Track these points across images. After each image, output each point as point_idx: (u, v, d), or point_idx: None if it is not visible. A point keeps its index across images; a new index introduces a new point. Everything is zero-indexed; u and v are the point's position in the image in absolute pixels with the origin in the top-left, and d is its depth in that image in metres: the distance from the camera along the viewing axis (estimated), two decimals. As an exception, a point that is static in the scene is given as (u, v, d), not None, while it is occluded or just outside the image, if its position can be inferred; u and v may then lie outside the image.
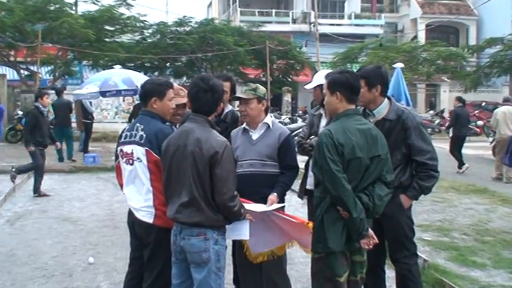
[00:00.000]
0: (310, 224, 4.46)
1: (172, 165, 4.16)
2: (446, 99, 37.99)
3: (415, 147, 4.85)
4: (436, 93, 40.29)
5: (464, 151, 16.40)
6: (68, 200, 11.43)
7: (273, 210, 4.75)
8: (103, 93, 15.53)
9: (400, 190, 4.83)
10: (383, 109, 4.90)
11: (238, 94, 5.16)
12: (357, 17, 44.14)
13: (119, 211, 10.06)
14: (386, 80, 4.93)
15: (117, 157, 4.78)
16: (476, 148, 20.86)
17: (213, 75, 4.84)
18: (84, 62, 28.09)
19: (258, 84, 5.16)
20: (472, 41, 41.63)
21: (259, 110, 5.03)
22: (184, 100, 5.11)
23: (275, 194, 4.86)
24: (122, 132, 4.73)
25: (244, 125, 5.15)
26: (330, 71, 4.81)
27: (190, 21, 28.93)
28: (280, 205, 4.83)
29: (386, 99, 4.95)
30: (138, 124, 4.55)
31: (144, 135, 4.44)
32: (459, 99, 16.96)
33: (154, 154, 4.39)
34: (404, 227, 4.97)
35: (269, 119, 5.12)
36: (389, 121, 4.85)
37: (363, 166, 4.12)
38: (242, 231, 4.44)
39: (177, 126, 5.14)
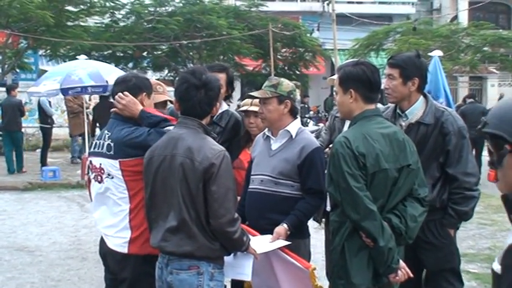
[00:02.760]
0: (316, 280, 4.51)
1: (157, 181, 4.20)
2: (495, 95, 37.98)
3: (453, 156, 4.90)
4: (482, 88, 40.25)
5: None
6: (23, 224, 11.49)
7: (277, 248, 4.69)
8: (65, 91, 15.61)
9: (442, 212, 4.92)
10: (417, 109, 4.95)
11: (253, 92, 5.18)
12: (382, -8, 44.15)
13: (87, 238, 10.15)
14: (425, 73, 4.98)
15: (88, 169, 4.85)
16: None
17: (203, 66, 4.87)
18: (41, 52, 27.94)
19: (282, 79, 5.13)
20: (528, 22, 41.70)
21: (280, 112, 4.98)
22: (164, 98, 5.20)
23: (285, 225, 4.81)
24: (94, 139, 4.81)
25: (266, 130, 5.17)
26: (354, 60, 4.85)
27: (173, 0, 28.91)
28: (286, 243, 4.72)
29: (422, 96, 4.99)
30: (106, 131, 4.61)
31: (112, 144, 4.47)
32: (470, 95, 17.25)
33: (131, 160, 4.40)
34: (451, 259, 5.06)
35: (294, 125, 5.06)
36: (425, 125, 4.89)
37: (390, 180, 4.14)
38: (244, 268, 4.42)
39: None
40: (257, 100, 5.34)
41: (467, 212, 4.97)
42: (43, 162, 18.19)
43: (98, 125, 18.46)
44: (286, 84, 5.05)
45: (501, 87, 37.95)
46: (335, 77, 5.35)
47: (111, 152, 4.45)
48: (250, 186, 5.06)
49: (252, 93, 5.20)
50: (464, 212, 4.96)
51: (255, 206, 4.97)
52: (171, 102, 5.35)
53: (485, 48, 31.74)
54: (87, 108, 18.42)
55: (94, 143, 4.68)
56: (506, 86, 38.56)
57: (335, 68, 30.44)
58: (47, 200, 14.14)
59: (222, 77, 5.42)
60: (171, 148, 4.18)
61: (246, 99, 5.80)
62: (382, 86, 4.61)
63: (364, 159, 4.07)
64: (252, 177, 5.08)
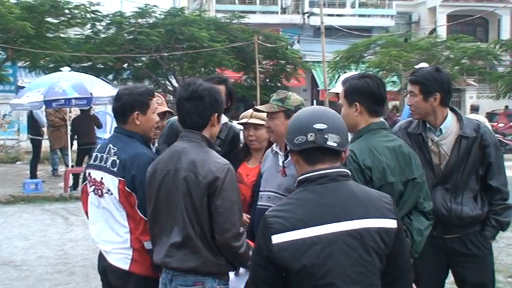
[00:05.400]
0: None
1: (161, 195, 4.11)
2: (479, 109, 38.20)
3: (494, 168, 4.90)
4: (461, 100, 40.55)
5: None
6: (7, 238, 11.34)
7: None
8: (48, 103, 15.50)
9: (479, 224, 4.94)
10: (450, 123, 4.88)
11: (260, 106, 5.11)
12: (361, 5, 44.32)
13: (74, 252, 10.07)
14: (447, 87, 4.89)
15: (85, 179, 4.76)
16: (513, 168, 20.98)
17: (198, 78, 4.80)
18: (20, 63, 27.78)
19: (290, 93, 5.04)
20: (506, 35, 41.98)
21: (286, 126, 4.91)
22: (163, 109, 5.12)
23: None
24: (93, 151, 4.72)
25: (274, 146, 5.08)
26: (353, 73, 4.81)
27: (155, 12, 28.90)
28: None
29: (449, 110, 4.93)
30: (111, 145, 4.49)
31: (118, 161, 4.38)
32: (472, 106, 17.93)
33: (126, 187, 4.33)
34: (492, 269, 5.10)
35: None
36: (467, 139, 4.83)
37: (396, 193, 4.09)
38: (237, 283, 4.37)
39: (155, 144, 5.16)
40: (257, 112, 5.29)
41: (508, 223, 5.01)
42: (32, 174, 18.03)
43: (75, 137, 18.30)
44: (294, 98, 4.94)
45: (479, 99, 38.25)
46: (337, 90, 5.32)
47: (115, 169, 4.37)
48: (258, 203, 4.98)
49: (258, 107, 5.12)
50: (506, 223, 4.99)
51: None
52: (170, 113, 5.28)
53: (463, 61, 32.06)
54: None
55: (94, 155, 4.57)
56: (484, 98, 38.87)
57: (323, 79, 30.60)
58: (30, 213, 13.95)
59: (220, 88, 5.32)
60: (174, 162, 4.10)
61: (246, 112, 5.73)
62: (406, 103, 4.62)
63: (371, 172, 4.05)
64: (260, 193, 5.01)
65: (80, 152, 16.95)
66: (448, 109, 4.92)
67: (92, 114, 18.12)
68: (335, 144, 3.02)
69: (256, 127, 5.37)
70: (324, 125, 3.03)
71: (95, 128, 17.61)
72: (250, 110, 5.55)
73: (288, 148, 3.16)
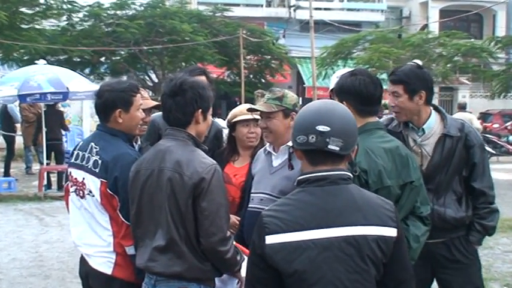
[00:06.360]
0: None
1: (144, 196, 4.07)
2: (467, 106, 38.25)
3: (478, 170, 4.86)
4: (453, 99, 40.64)
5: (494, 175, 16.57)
6: (-21, 240, 11.22)
7: None
8: (22, 97, 15.37)
9: (465, 228, 4.92)
10: (433, 123, 4.84)
11: (256, 106, 5.03)
12: (350, -2, 44.33)
13: (49, 255, 9.99)
14: (430, 84, 4.83)
15: (67, 178, 4.70)
16: (509, 171, 21.01)
17: (181, 72, 4.74)
18: (-8, 56, 27.65)
19: (286, 91, 4.94)
20: (501, 32, 41.95)
21: (285, 126, 4.77)
22: (149, 104, 5.07)
23: None
24: (74, 148, 4.65)
25: (267, 146, 5.01)
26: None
27: (134, 3, 28.81)
28: None
29: (432, 109, 4.89)
30: (93, 144, 4.42)
31: (100, 162, 4.32)
32: (459, 104, 18.11)
33: (108, 189, 4.27)
34: (479, 275, 5.08)
35: None
36: (451, 138, 4.78)
37: (393, 197, 4.04)
38: None
39: (139, 141, 5.10)
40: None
41: (493, 227, 4.98)
42: (6, 172, 17.99)
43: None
44: (291, 96, 4.87)
45: (472, 98, 38.35)
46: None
47: (96, 170, 4.32)
48: (249, 205, 4.92)
49: (254, 106, 5.03)
50: (492, 227, 4.95)
51: (252, 226, 4.83)
52: (157, 108, 5.22)
53: (456, 58, 32.02)
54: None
55: (76, 153, 4.51)
56: (478, 98, 38.95)
57: (309, 76, 30.57)
58: (3, 213, 13.86)
59: (201, 80, 5.24)
60: (158, 161, 4.05)
61: (237, 110, 5.65)
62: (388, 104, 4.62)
63: (366, 175, 4.01)
64: (251, 195, 4.94)
65: (45, 148, 16.75)
66: (431, 108, 4.88)
67: (58, 109, 17.96)
68: (337, 148, 3.00)
69: (256, 124, 5.30)
70: (327, 127, 2.99)
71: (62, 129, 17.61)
72: (241, 107, 5.48)
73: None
